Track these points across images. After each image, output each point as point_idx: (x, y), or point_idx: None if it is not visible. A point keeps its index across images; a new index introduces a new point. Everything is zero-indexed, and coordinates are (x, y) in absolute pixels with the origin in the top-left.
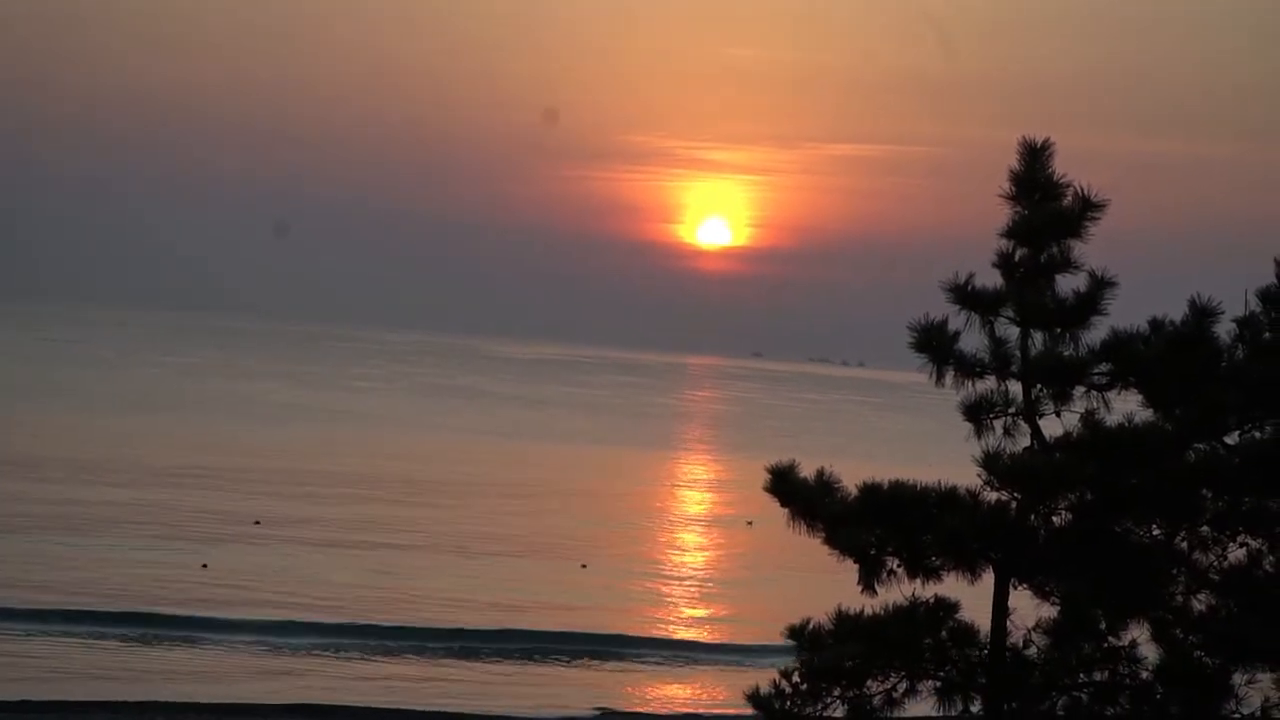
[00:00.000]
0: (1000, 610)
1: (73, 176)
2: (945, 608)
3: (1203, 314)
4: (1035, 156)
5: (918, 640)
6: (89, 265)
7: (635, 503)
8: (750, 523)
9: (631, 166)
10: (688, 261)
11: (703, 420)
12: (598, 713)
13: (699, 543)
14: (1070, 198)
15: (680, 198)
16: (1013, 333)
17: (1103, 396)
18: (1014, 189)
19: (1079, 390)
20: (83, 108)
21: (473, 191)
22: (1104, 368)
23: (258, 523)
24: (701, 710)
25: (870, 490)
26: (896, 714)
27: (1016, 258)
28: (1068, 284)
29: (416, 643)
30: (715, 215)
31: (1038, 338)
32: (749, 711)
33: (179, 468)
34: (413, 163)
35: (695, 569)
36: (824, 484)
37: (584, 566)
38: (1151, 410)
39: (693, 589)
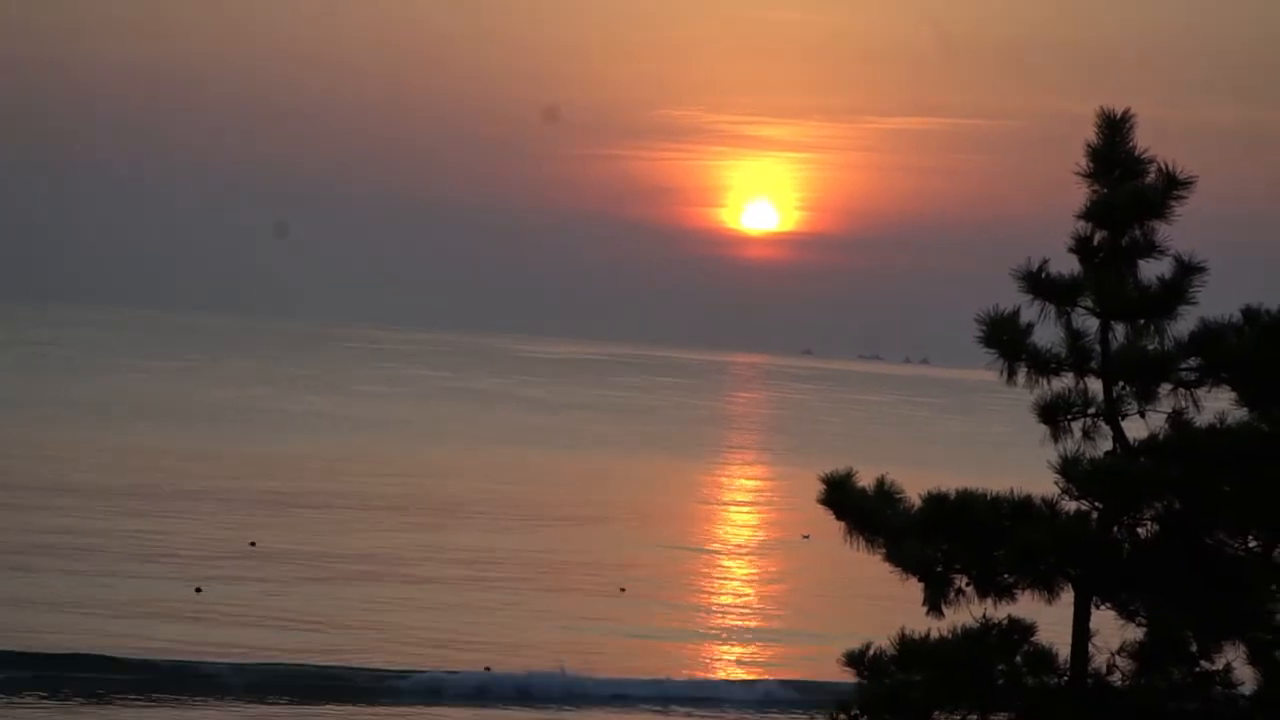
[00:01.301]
0: (1081, 632)
1: (49, 165)
2: (1020, 630)
3: None
4: (1114, 129)
5: (990, 667)
6: (57, 261)
7: (677, 518)
8: (806, 537)
9: (668, 144)
10: (730, 248)
11: (750, 425)
12: None
13: (750, 561)
14: (1153, 175)
15: (722, 178)
16: (1091, 325)
17: (1191, 394)
18: (1091, 165)
19: (1165, 388)
20: (60, 85)
21: (491, 174)
22: (1193, 362)
23: (253, 544)
24: None
25: (935, 501)
26: None
27: (1095, 241)
28: (1151, 270)
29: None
30: (760, 197)
31: (1119, 330)
32: None
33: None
34: (426, 143)
35: (746, 592)
36: (884, 494)
37: (622, 590)
38: (1246, 409)
39: (745, 614)
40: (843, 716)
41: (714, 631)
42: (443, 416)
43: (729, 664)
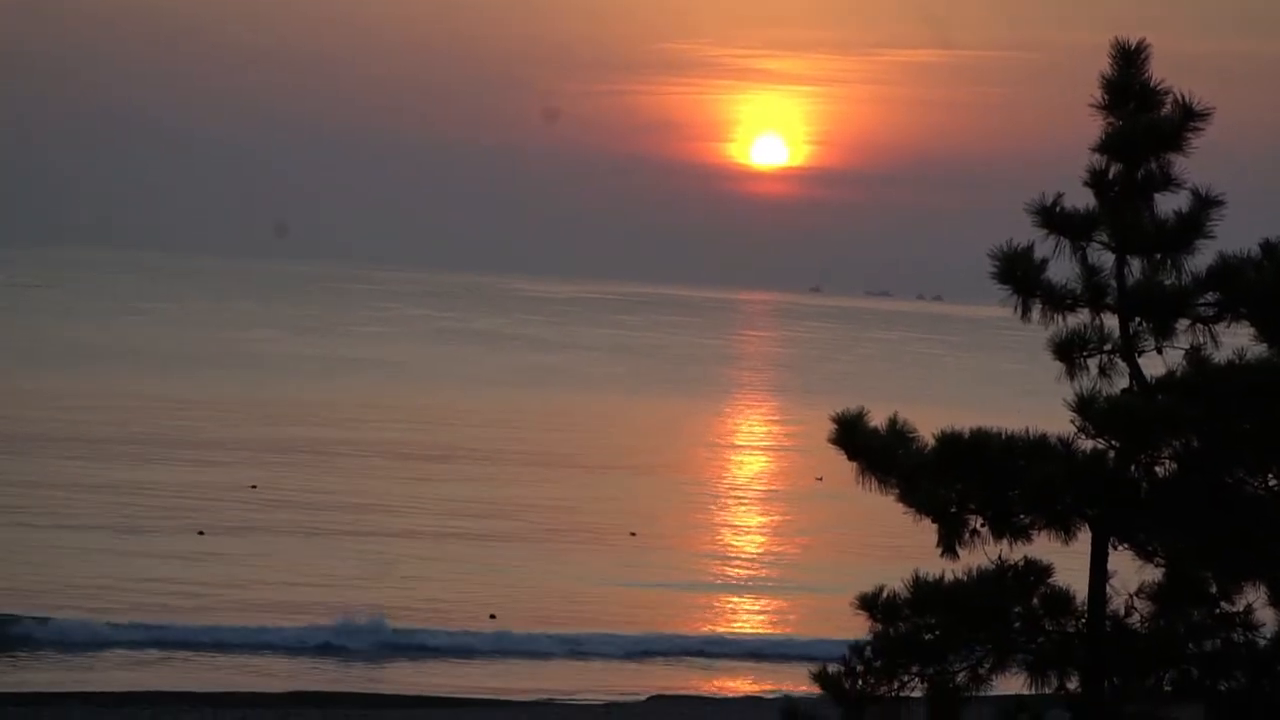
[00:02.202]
0: (1099, 574)
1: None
2: (1036, 572)
3: None
4: (1129, 60)
5: (1006, 609)
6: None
7: (688, 461)
8: (820, 478)
9: (673, 78)
10: (739, 184)
11: (759, 364)
12: (648, 697)
13: (763, 506)
14: (1169, 106)
15: (729, 113)
16: (1107, 260)
17: (1210, 330)
18: (1106, 98)
19: (1183, 324)
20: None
21: (493, 112)
22: (1210, 297)
23: (254, 487)
24: (765, 691)
25: (949, 440)
26: (984, 692)
27: (1110, 175)
28: (1168, 204)
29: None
30: (769, 132)
31: (1135, 265)
32: (816, 692)
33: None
34: (421, 79)
35: (761, 534)
36: (897, 434)
37: (633, 534)
38: (1266, 345)
39: (760, 556)
40: (856, 659)
41: (720, 582)
42: (447, 357)
43: (733, 616)
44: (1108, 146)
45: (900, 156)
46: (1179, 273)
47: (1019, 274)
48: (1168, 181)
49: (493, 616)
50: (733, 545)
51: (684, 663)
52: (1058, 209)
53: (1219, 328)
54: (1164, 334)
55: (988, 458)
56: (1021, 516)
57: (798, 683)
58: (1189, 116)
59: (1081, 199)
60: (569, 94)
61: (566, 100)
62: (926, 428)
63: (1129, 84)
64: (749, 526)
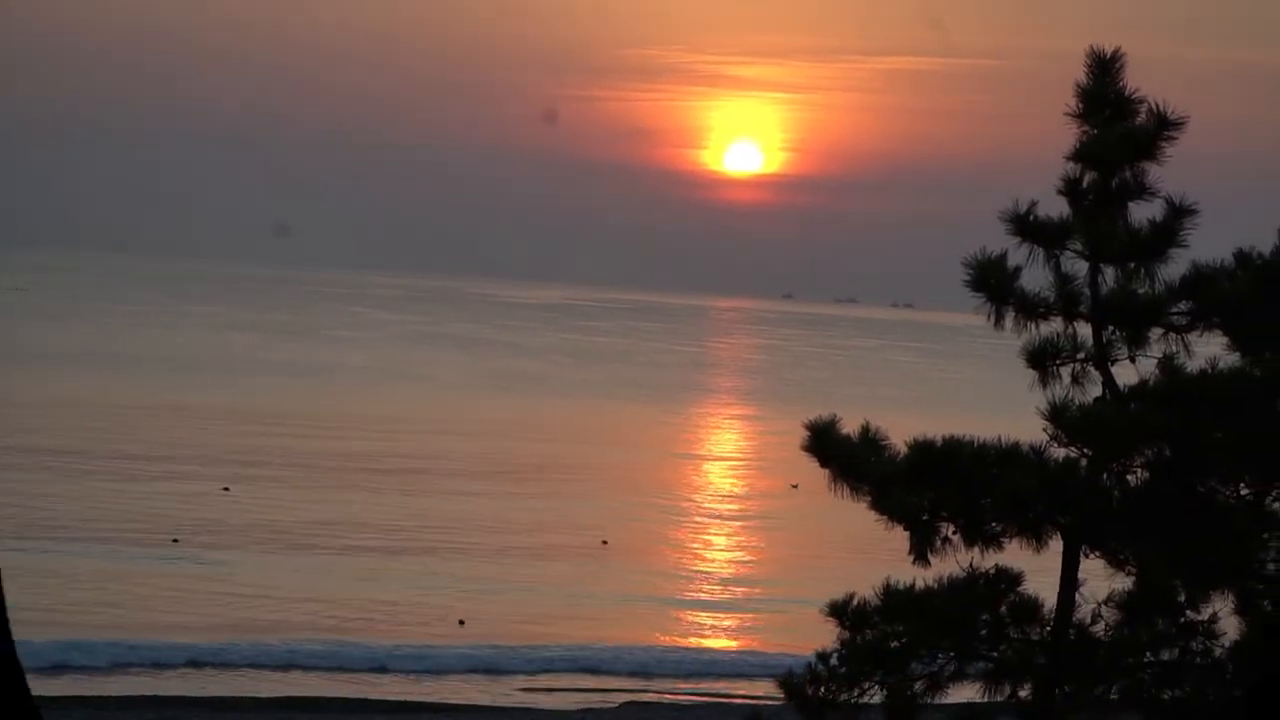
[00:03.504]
0: (1069, 582)
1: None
2: (1007, 579)
3: None
4: (1105, 69)
5: (974, 616)
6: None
7: (661, 469)
8: (796, 486)
9: (646, 85)
10: (712, 191)
11: (733, 371)
12: (620, 704)
13: (739, 510)
14: (1144, 115)
15: (703, 119)
16: (1081, 268)
17: (1183, 339)
18: (1081, 106)
19: (1156, 332)
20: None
21: (461, 116)
22: (1184, 306)
23: (227, 489)
24: (736, 700)
25: (921, 448)
26: (939, 700)
27: (1085, 183)
28: (1142, 213)
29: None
30: (744, 139)
31: (1109, 274)
32: (781, 698)
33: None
34: (387, 85)
35: (735, 542)
36: (869, 441)
37: (604, 543)
38: (1238, 354)
39: (735, 563)
40: (821, 665)
41: (695, 595)
42: (416, 361)
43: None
44: (1082, 155)
45: (877, 162)
46: (1152, 281)
47: (993, 282)
48: (1142, 190)
49: (461, 623)
50: (704, 556)
51: (656, 671)
52: (1031, 217)
53: (1192, 337)
54: (1137, 342)
55: (960, 466)
56: (993, 524)
57: (771, 693)
58: (1163, 125)
59: (1056, 207)
60: (538, 99)
61: (539, 106)
62: (900, 435)
63: (1104, 93)
64: (724, 534)
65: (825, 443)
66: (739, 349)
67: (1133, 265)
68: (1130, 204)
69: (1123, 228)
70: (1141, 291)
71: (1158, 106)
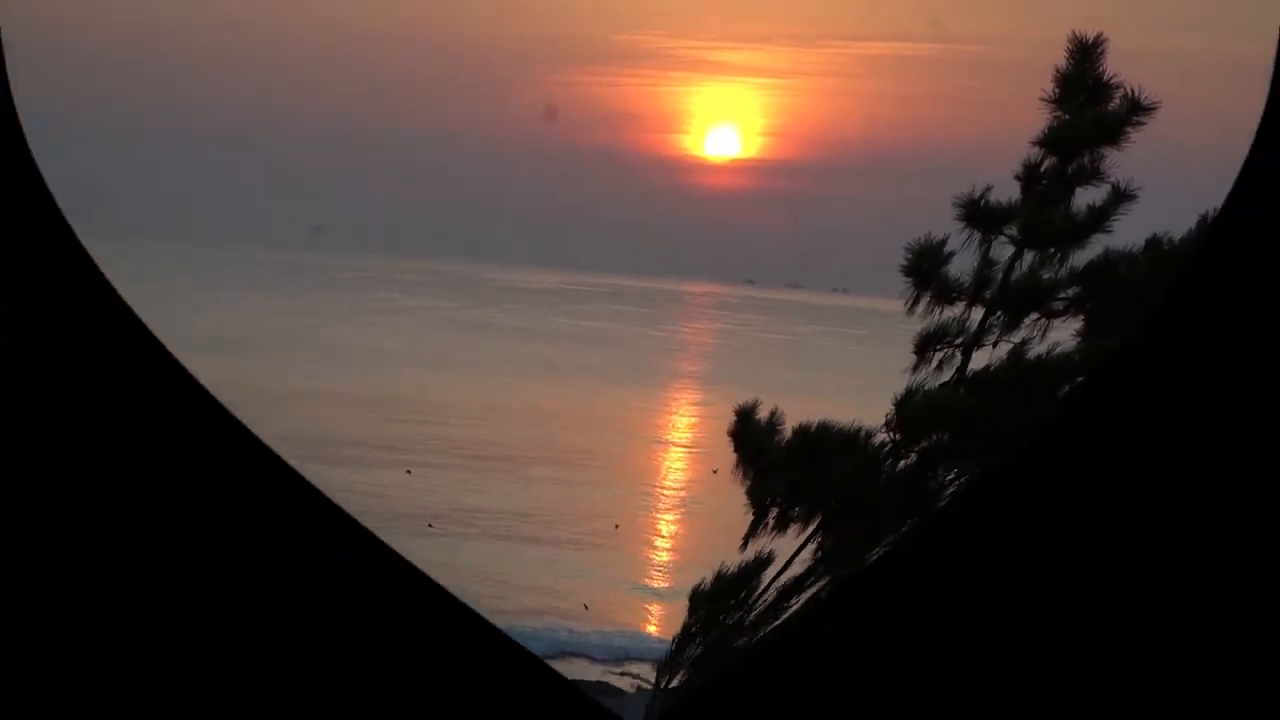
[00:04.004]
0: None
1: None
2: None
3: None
4: (1086, 54)
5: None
6: None
7: (621, 456)
8: (715, 471)
9: (626, 69)
10: (690, 176)
11: (695, 354)
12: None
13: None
14: (1118, 101)
15: (682, 105)
16: (1008, 254)
17: (1048, 324)
18: (1058, 92)
19: (1032, 318)
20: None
21: (443, 101)
22: (1069, 292)
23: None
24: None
25: (800, 433)
26: None
27: (1044, 168)
28: (1093, 198)
29: None
30: (723, 124)
31: (1028, 260)
32: None
33: None
34: (368, 71)
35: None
36: (771, 426)
37: (616, 526)
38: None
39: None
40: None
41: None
42: (397, 342)
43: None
44: (1046, 140)
45: (860, 149)
46: (1061, 266)
47: (924, 267)
48: (1094, 174)
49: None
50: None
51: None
52: (983, 202)
53: (1058, 322)
54: (1012, 327)
55: (820, 451)
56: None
57: None
58: (1134, 110)
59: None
60: (516, 85)
61: (518, 92)
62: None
63: (1082, 78)
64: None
65: (745, 427)
66: (705, 333)
67: (1052, 251)
68: (1081, 189)
69: (1061, 212)
70: (1046, 276)
71: (1133, 92)
